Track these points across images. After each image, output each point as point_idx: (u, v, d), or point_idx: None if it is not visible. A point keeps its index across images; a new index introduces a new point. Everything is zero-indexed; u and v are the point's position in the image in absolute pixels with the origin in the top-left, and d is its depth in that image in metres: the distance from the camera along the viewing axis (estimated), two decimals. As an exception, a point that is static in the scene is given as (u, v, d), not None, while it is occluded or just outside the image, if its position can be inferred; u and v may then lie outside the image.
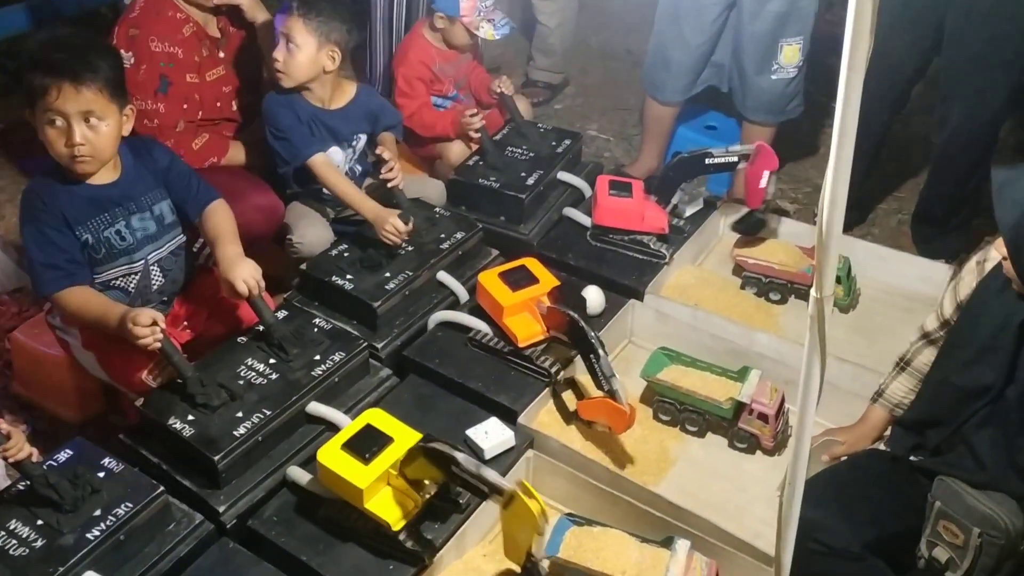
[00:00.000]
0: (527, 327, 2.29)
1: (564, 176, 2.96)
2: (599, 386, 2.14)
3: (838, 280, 2.68)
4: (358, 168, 2.80)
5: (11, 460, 1.71)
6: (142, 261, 2.19)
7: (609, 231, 2.71)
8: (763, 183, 2.57)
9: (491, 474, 1.70)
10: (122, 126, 2.10)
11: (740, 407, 2.24)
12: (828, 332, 2.63)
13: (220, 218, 2.23)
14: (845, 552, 1.81)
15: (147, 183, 2.20)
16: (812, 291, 1.22)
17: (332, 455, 1.82)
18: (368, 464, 1.80)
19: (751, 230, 2.74)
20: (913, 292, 2.75)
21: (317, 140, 2.61)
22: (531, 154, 2.97)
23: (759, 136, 3.14)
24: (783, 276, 2.70)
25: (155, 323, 1.93)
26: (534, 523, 1.66)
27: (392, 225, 2.45)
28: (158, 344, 1.94)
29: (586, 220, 2.79)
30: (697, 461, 2.26)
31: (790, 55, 2.98)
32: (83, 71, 2.00)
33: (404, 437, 1.83)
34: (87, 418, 2.39)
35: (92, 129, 2.03)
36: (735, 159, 2.63)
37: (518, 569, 1.94)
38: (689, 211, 2.85)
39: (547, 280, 2.32)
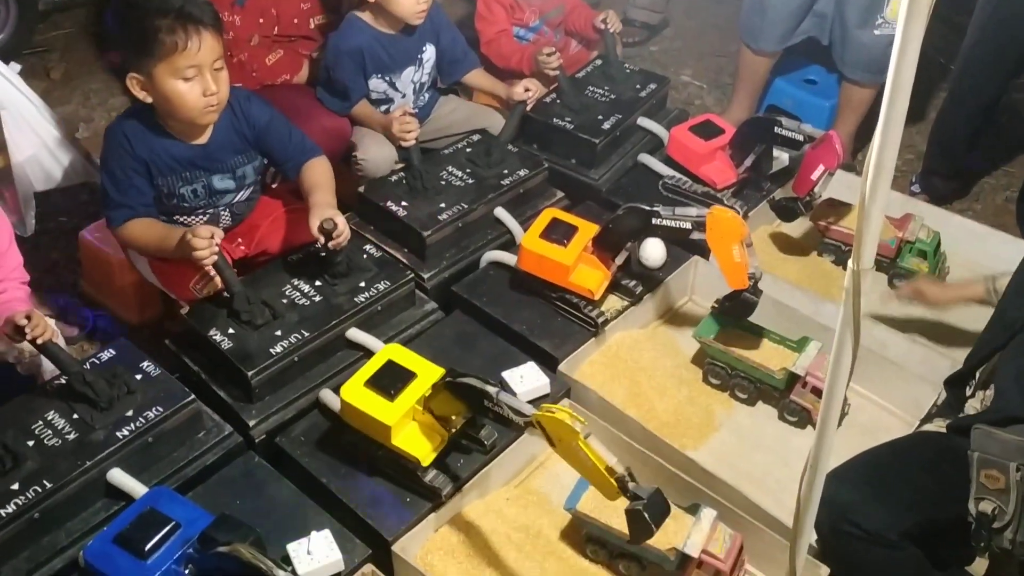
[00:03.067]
0: (593, 277, 2.21)
1: (644, 122, 2.84)
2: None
3: (923, 255, 2.51)
4: (426, 80, 2.76)
5: (38, 341, 1.74)
6: (213, 210, 2.21)
7: (682, 183, 2.59)
8: (815, 175, 2.38)
9: (526, 406, 1.66)
10: None
11: (794, 379, 2.13)
12: (904, 310, 2.50)
13: (318, 171, 2.21)
14: (880, 538, 1.71)
15: (235, 147, 2.17)
16: (850, 262, 1.12)
17: (356, 392, 1.79)
18: (394, 400, 1.77)
19: (783, 215, 2.52)
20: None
21: (359, 88, 2.63)
22: (612, 96, 2.86)
23: (858, 96, 2.95)
24: None
25: (213, 236, 1.92)
26: (571, 431, 1.56)
27: (398, 125, 2.43)
28: (214, 258, 1.95)
29: (661, 168, 2.68)
30: (742, 430, 2.17)
31: (897, 9, 2.75)
32: (214, 17, 1.96)
33: (427, 372, 1.81)
34: (145, 321, 2.46)
35: (219, 76, 2.01)
36: (800, 138, 2.46)
37: (541, 515, 1.93)
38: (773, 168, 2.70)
39: (584, 224, 2.24)
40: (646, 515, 1.53)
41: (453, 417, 1.82)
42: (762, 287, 2.37)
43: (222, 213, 2.23)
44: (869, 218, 1.07)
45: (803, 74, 3.34)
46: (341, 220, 2.06)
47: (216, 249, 1.94)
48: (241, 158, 2.19)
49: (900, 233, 2.51)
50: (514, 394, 1.97)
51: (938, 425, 2.00)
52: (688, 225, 2.11)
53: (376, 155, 2.59)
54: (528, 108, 2.66)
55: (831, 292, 2.49)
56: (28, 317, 1.75)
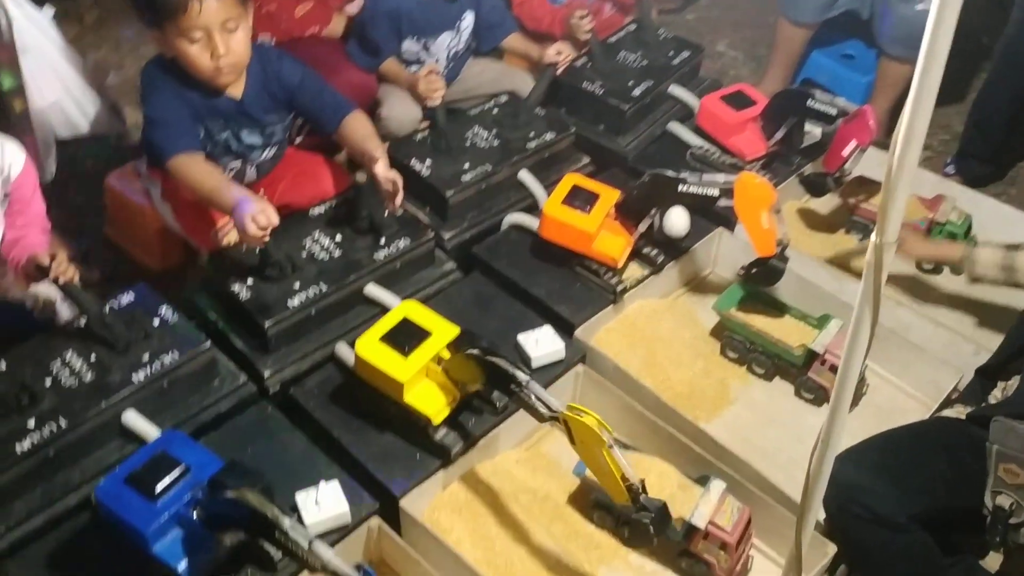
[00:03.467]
0: (615, 245, 2.19)
1: (675, 90, 2.79)
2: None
3: (953, 237, 2.46)
4: (461, 48, 2.73)
5: (60, 280, 1.76)
6: (240, 161, 2.19)
7: (710, 153, 2.55)
8: (846, 151, 2.32)
9: (554, 401, 1.65)
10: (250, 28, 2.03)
11: (812, 356, 2.11)
12: (931, 293, 2.46)
13: (362, 123, 2.18)
14: (888, 521, 1.70)
15: (266, 105, 2.15)
16: (873, 236, 1.09)
17: (370, 347, 1.79)
18: (408, 357, 1.77)
19: (812, 190, 2.46)
20: (1041, 264, 2.50)
21: (390, 47, 2.60)
22: (644, 62, 2.81)
23: (896, 73, 2.88)
24: None
25: (268, 226, 1.86)
26: (598, 439, 1.58)
27: (424, 83, 2.40)
28: (263, 244, 1.91)
29: (690, 137, 2.64)
30: (757, 405, 2.16)
31: (942, -18, 2.67)
32: None
33: (442, 331, 1.80)
34: (167, 268, 2.46)
35: (231, 38, 1.98)
36: (834, 112, 2.40)
37: (549, 479, 1.93)
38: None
39: (605, 190, 2.21)
40: (651, 528, 1.61)
41: (467, 384, 1.82)
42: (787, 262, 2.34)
43: (248, 169, 2.23)
44: (895, 190, 1.04)
45: (841, 48, 3.26)
46: (399, 180, 2.07)
47: (266, 237, 1.88)
48: (272, 117, 2.18)
49: (931, 214, 2.46)
50: (530, 359, 1.98)
51: (958, 412, 1.98)
52: (715, 192, 2.07)
53: (400, 114, 2.57)
54: (558, 72, 2.62)
55: (856, 270, 2.46)
56: (52, 257, 1.76)
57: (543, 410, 1.65)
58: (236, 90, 2.11)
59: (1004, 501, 1.64)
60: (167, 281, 2.34)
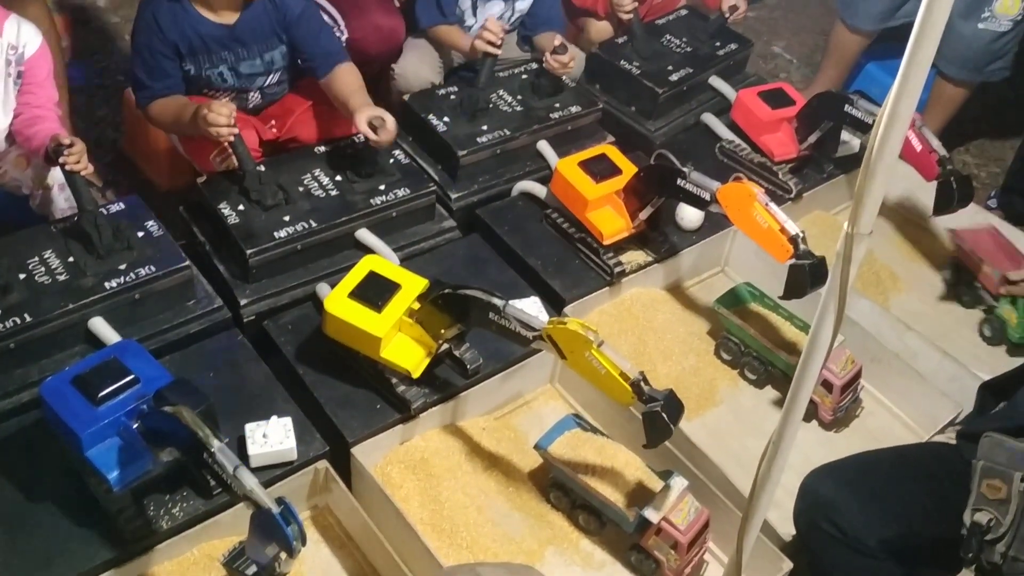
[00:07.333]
0: (612, 222, 2.13)
1: (716, 82, 2.70)
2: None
3: (1015, 303, 2.25)
4: (508, 27, 2.65)
5: (68, 167, 1.75)
6: (244, 94, 2.18)
7: (739, 149, 2.46)
8: (934, 144, 2.17)
9: (536, 319, 1.64)
10: None
11: (805, 370, 2.01)
12: (946, 321, 2.32)
13: (352, 77, 2.13)
14: (856, 541, 1.62)
15: (264, 32, 2.11)
16: (845, 225, 1.01)
17: (341, 305, 1.74)
18: (381, 312, 1.73)
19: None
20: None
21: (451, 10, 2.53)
22: (688, 49, 2.73)
23: (948, 93, 2.75)
24: None
25: (230, 114, 1.89)
26: (584, 340, 1.56)
27: (482, 37, 2.31)
28: (231, 136, 1.91)
29: (722, 131, 2.55)
30: (743, 411, 2.08)
31: (1008, 5, 2.54)
32: None
33: (411, 283, 1.75)
34: (174, 188, 2.45)
35: None
36: (870, 122, 2.28)
37: (513, 452, 1.88)
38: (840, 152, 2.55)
39: (630, 170, 2.14)
40: (664, 415, 1.55)
41: (443, 330, 1.77)
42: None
43: (252, 95, 2.20)
44: (873, 177, 0.96)
45: (899, 63, 3.12)
46: (390, 117, 2.03)
47: (235, 128, 1.90)
48: (269, 43, 2.13)
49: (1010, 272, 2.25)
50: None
51: (948, 437, 1.88)
52: (707, 196, 1.97)
53: (414, 73, 2.54)
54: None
55: (876, 291, 2.37)
56: (72, 144, 1.75)
57: (526, 332, 1.63)
58: (229, 17, 2.07)
59: (982, 518, 1.56)
60: (173, 202, 2.33)
